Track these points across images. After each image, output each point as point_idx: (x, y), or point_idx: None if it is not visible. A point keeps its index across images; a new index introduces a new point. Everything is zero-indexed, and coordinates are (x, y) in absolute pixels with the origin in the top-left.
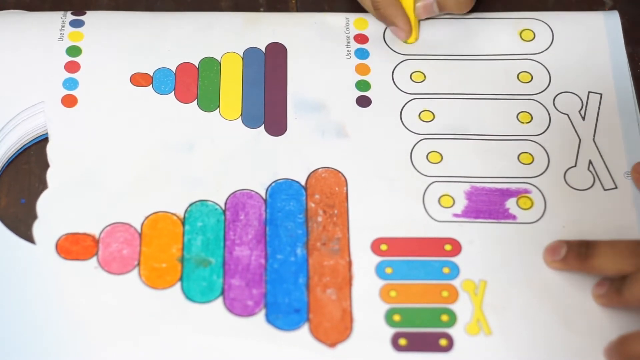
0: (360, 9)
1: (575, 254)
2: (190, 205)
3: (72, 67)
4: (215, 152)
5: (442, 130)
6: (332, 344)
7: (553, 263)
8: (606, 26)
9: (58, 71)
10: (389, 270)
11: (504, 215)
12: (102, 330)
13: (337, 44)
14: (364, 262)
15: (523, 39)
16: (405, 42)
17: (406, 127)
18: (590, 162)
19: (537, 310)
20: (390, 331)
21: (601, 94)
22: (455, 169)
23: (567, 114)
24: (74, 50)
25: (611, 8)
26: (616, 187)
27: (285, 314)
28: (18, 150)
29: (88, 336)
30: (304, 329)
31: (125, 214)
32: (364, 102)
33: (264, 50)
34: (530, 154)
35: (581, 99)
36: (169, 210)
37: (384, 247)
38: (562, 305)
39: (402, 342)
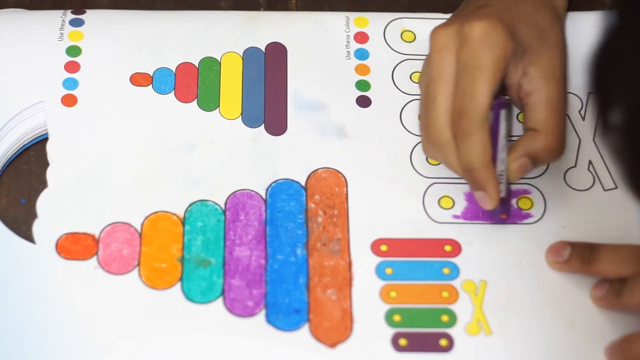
0: (360, 8)
1: (579, 257)
2: (191, 205)
3: (72, 67)
4: (215, 151)
5: None
6: (332, 344)
7: (555, 264)
8: None
9: (58, 71)
10: (389, 271)
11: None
12: (102, 330)
13: (337, 44)
14: (364, 263)
15: None
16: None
17: (406, 129)
18: (590, 162)
19: (537, 310)
20: (391, 331)
21: None
22: None
23: (566, 114)
24: (73, 50)
25: (611, 8)
26: (616, 187)
27: (285, 314)
28: (18, 150)
29: (88, 336)
30: (304, 330)
31: (125, 214)
32: (364, 102)
33: (263, 50)
34: None
35: (581, 99)
36: (169, 210)
37: (384, 247)
38: (562, 305)
39: (403, 342)
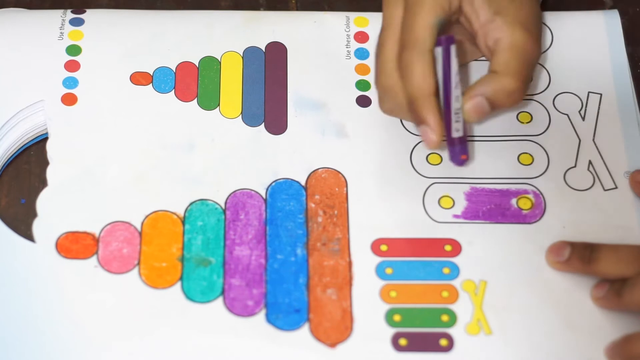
0: (360, 8)
1: (579, 257)
2: (191, 204)
3: (72, 66)
4: (215, 150)
5: None
6: (332, 344)
7: (555, 264)
8: (606, 26)
9: (58, 70)
10: (389, 271)
11: (504, 216)
12: (102, 329)
13: (337, 44)
14: (364, 263)
15: None
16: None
17: (406, 129)
18: (590, 162)
19: (537, 310)
20: (391, 331)
21: (601, 94)
22: (454, 171)
23: (567, 114)
24: (73, 50)
25: (611, 7)
26: (616, 187)
27: (285, 314)
28: (18, 150)
29: (88, 335)
30: (304, 329)
31: (125, 213)
32: (364, 101)
33: (263, 50)
34: (530, 154)
35: (581, 99)
36: (169, 209)
37: (384, 247)
38: (563, 305)
39: (403, 342)
